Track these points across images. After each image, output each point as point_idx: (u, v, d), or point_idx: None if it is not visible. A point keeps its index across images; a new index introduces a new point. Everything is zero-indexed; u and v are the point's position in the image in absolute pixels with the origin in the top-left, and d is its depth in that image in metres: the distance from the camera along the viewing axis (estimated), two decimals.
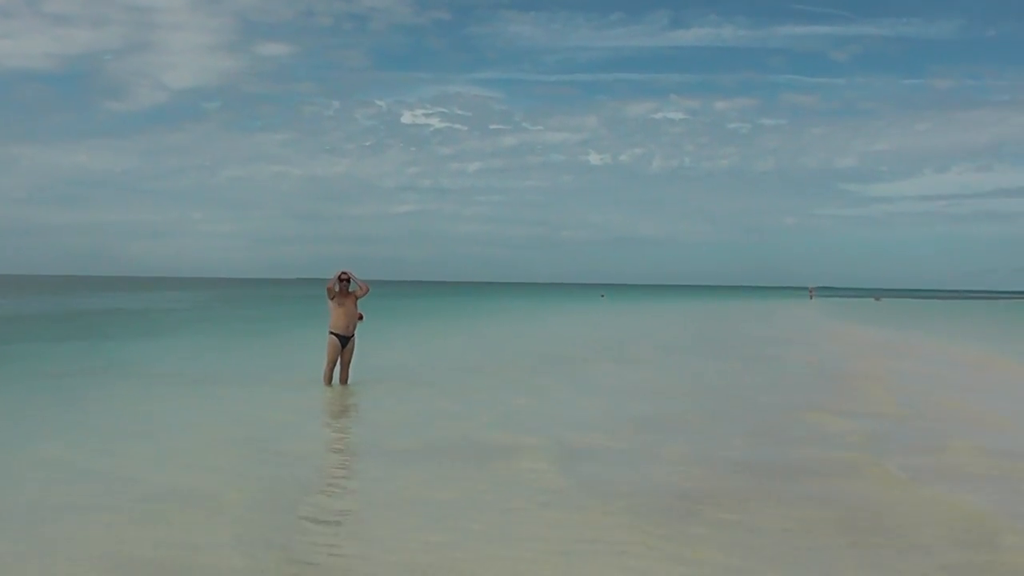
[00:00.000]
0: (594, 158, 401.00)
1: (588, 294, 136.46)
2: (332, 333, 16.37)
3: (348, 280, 16.44)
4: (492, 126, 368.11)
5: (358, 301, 16.67)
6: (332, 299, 16.39)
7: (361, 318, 16.64)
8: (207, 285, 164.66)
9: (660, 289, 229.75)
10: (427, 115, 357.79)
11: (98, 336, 30.27)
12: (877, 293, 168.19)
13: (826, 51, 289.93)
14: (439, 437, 11.55)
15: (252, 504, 7.99)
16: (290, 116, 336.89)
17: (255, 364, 21.11)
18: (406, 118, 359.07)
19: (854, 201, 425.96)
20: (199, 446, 10.78)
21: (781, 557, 6.68)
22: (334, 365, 16.45)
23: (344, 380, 16.51)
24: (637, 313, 62.80)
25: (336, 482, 9.19)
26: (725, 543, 6.99)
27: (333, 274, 16.46)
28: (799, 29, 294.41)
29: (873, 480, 9.26)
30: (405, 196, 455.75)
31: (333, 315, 16.36)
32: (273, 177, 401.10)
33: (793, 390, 17.31)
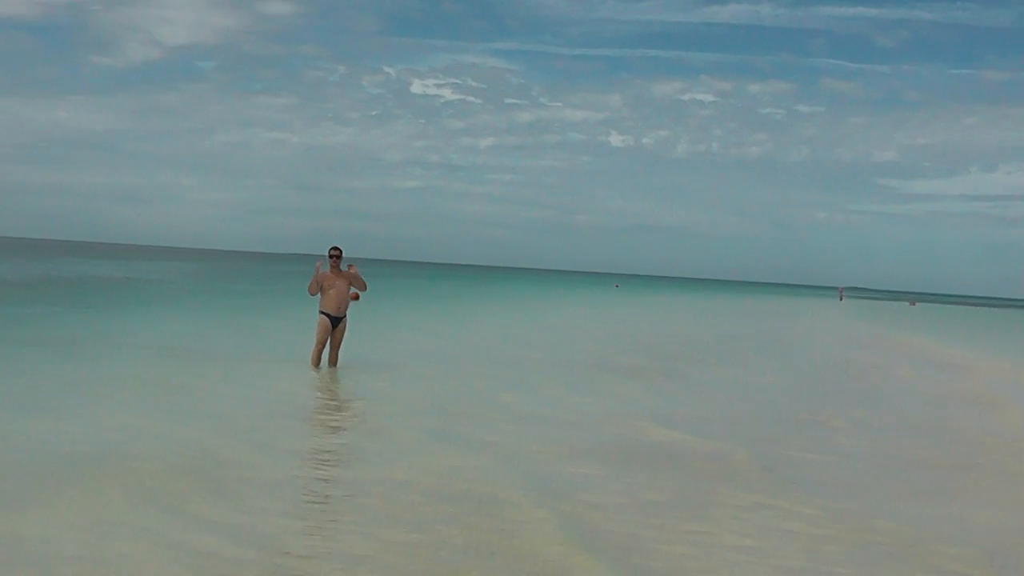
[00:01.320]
0: (615, 139, 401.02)
1: (602, 283, 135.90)
2: (322, 313, 16.33)
3: (339, 256, 16.35)
4: (508, 100, 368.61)
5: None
6: (319, 287, 16.32)
7: (356, 298, 16.21)
8: (196, 256, 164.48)
9: (678, 282, 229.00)
10: (438, 85, 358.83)
11: (81, 304, 29.98)
12: (912, 297, 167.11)
13: (871, 35, 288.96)
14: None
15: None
16: (292, 80, 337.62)
17: (244, 342, 21.08)
18: (416, 87, 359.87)
19: (892, 198, 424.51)
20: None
21: None
22: (323, 347, 16.39)
23: (333, 362, 16.48)
24: (659, 306, 62.11)
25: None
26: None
27: (317, 271, 16.33)
28: (843, 10, 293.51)
29: None
30: (411, 171, 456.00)
31: (324, 295, 16.31)
32: (271, 144, 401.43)
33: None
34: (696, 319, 47.66)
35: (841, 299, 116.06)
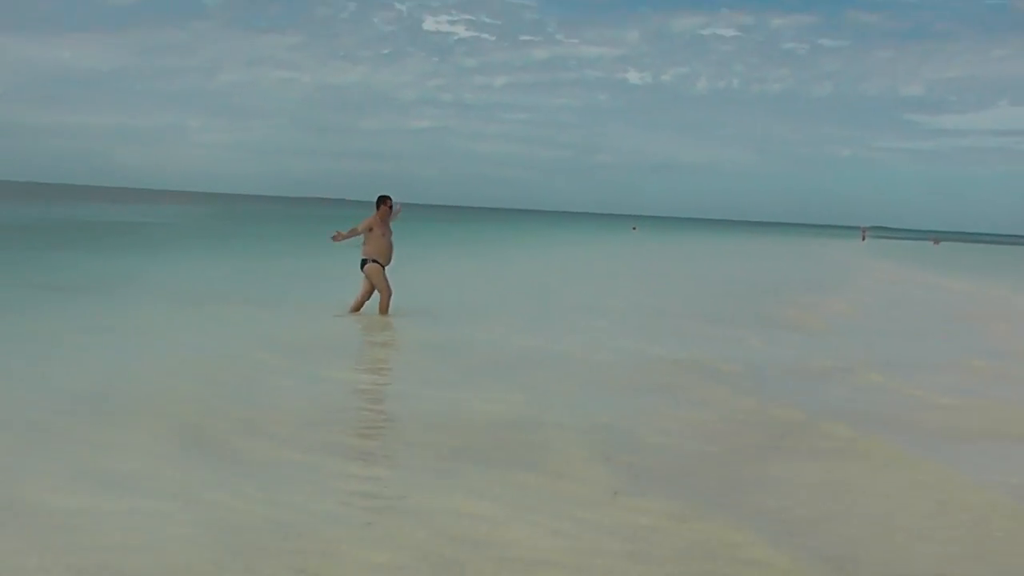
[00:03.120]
0: (633, 76, 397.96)
1: (619, 225, 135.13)
2: (375, 262, 16.08)
3: (392, 208, 16.33)
4: (522, 37, 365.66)
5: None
6: (369, 229, 16.13)
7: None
8: (204, 200, 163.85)
9: (697, 223, 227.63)
10: (451, 22, 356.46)
11: (100, 249, 29.77)
12: (935, 236, 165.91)
13: None
14: None
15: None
16: (301, 17, 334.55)
17: (282, 287, 20.79)
18: (428, 24, 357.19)
19: (919, 133, 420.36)
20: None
21: None
22: (390, 295, 16.17)
23: (357, 308, 16.26)
24: (689, 250, 61.12)
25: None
26: None
27: (369, 219, 16.20)
28: None
29: None
30: (424, 110, 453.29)
31: (375, 243, 16.04)
32: (279, 84, 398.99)
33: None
34: (739, 262, 46.82)
35: (863, 240, 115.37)
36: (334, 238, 16.18)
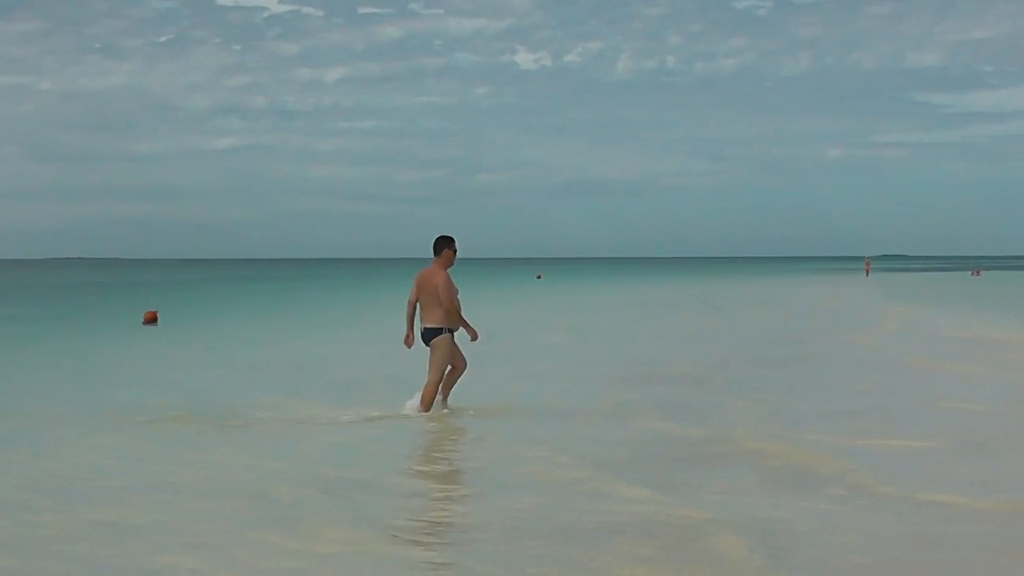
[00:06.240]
0: (525, 59, 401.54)
1: (522, 273, 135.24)
2: (449, 331, 16.33)
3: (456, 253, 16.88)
4: (362, 10, 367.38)
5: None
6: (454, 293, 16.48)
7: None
8: None
9: (633, 264, 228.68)
10: None
11: None
12: (976, 264, 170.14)
13: None
14: None
15: None
16: None
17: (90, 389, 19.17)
18: None
19: (937, 120, 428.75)
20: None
21: None
22: (466, 367, 16.75)
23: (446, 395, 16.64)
24: (600, 307, 59.57)
25: None
26: None
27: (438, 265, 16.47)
28: None
29: None
30: (226, 123, 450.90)
31: (458, 305, 16.42)
32: (6, 94, 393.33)
33: None
34: (752, 312, 46.26)
35: (868, 274, 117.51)
36: (473, 339, 16.60)
